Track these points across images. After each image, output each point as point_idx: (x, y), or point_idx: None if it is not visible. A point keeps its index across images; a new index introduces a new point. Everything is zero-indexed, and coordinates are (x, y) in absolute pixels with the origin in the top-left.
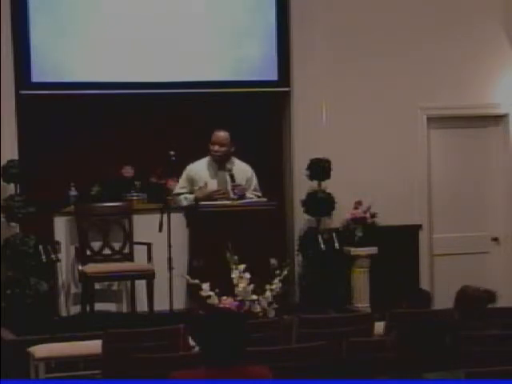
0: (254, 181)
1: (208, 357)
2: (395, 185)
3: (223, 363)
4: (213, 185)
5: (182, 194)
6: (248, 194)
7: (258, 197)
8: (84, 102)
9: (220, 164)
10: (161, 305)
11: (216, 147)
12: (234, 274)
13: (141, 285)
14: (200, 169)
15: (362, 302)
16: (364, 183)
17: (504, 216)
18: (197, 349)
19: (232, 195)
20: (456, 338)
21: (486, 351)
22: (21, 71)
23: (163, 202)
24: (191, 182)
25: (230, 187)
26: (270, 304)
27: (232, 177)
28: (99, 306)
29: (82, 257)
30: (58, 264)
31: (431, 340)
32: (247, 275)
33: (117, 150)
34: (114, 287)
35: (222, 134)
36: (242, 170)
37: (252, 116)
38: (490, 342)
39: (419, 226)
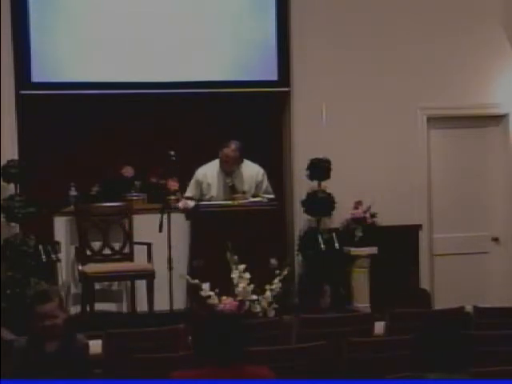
0: (265, 183)
1: (208, 356)
2: (395, 185)
3: (223, 363)
4: (216, 190)
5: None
6: (258, 199)
7: (269, 199)
8: (84, 101)
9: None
10: (161, 305)
11: (227, 166)
12: (234, 274)
13: (141, 285)
14: (207, 172)
15: (362, 302)
16: (364, 183)
17: (504, 216)
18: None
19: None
20: (469, 337)
21: (487, 351)
22: (21, 71)
23: (163, 202)
24: (199, 185)
25: (231, 197)
26: (270, 304)
27: (232, 187)
28: (99, 306)
29: (82, 257)
30: (58, 264)
31: (445, 340)
32: (247, 275)
33: (117, 150)
34: (114, 287)
35: (232, 154)
36: (250, 173)
37: (252, 116)
38: (490, 342)
39: (419, 226)
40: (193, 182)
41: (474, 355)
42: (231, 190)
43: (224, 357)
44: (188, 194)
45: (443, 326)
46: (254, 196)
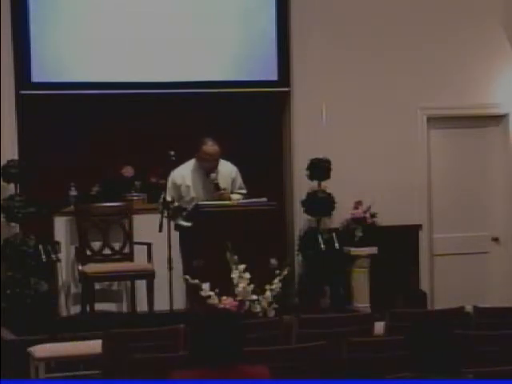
0: (239, 179)
1: (206, 357)
2: (395, 185)
3: (222, 363)
4: (195, 191)
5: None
6: (234, 196)
7: (243, 194)
8: (84, 101)
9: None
10: (161, 305)
11: (210, 164)
12: (234, 274)
13: (141, 285)
14: (185, 173)
15: (362, 302)
16: (364, 183)
17: (504, 216)
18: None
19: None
20: (464, 337)
21: (487, 351)
22: (21, 71)
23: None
24: (177, 187)
25: (214, 195)
26: (270, 304)
27: (216, 185)
28: (99, 306)
29: (82, 257)
30: (58, 264)
31: (434, 340)
32: (247, 275)
33: (117, 150)
34: (114, 287)
35: (213, 150)
36: (227, 171)
37: (252, 116)
38: (490, 342)
39: (419, 226)
40: (170, 185)
41: (473, 355)
42: (215, 188)
43: (221, 357)
44: (168, 197)
45: (432, 326)
46: (230, 193)
